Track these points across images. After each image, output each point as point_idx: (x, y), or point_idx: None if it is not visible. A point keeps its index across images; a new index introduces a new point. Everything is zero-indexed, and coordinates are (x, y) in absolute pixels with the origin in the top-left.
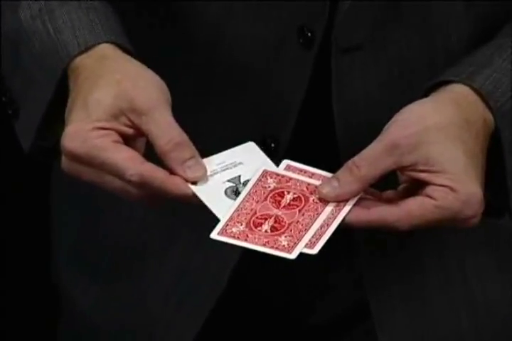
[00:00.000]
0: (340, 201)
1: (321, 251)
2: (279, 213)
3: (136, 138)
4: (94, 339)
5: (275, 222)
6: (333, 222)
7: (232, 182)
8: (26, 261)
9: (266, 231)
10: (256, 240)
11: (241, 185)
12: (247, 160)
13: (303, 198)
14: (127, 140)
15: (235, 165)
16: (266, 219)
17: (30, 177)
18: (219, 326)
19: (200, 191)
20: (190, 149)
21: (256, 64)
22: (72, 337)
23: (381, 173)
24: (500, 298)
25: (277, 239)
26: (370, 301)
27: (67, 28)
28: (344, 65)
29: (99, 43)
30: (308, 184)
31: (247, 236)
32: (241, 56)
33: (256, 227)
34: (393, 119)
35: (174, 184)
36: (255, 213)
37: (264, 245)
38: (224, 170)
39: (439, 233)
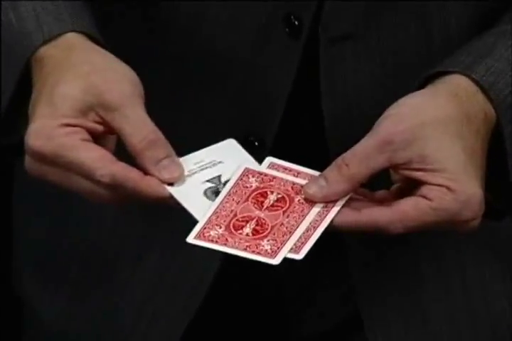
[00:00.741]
0: (328, 202)
1: (306, 256)
2: (262, 215)
3: (107, 136)
4: None
5: (257, 224)
6: (320, 224)
7: (212, 183)
8: None
9: (247, 234)
10: (236, 244)
11: (222, 186)
12: (228, 158)
13: (287, 199)
14: (97, 138)
15: (214, 164)
16: (247, 221)
17: None
18: (198, 340)
19: (178, 193)
20: (165, 148)
21: (238, 55)
22: None
23: (372, 172)
24: (503, 309)
25: (259, 243)
26: (363, 314)
27: (31, 17)
28: (334, 55)
29: (65, 32)
30: (294, 183)
31: (227, 240)
32: (221, 46)
33: (236, 230)
34: (386, 113)
35: (149, 185)
36: (235, 215)
37: (245, 250)
38: (203, 170)
39: (436, 237)
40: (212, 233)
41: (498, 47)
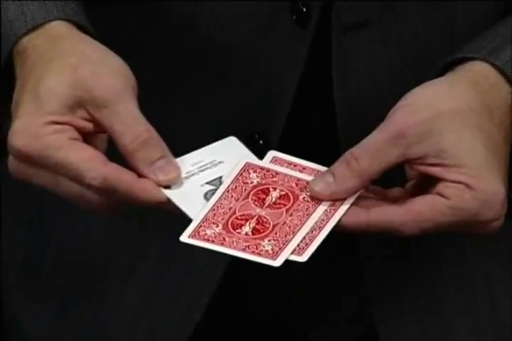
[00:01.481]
0: (336, 200)
1: (317, 266)
2: (263, 213)
3: (97, 135)
4: None
5: (258, 223)
6: (326, 224)
7: (212, 185)
8: None
9: (246, 233)
10: (234, 244)
11: None
12: (229, 158)
13: (291, 196)
14: (86, 137)
15: (214, 165)
16: (247, 220)
17: None
18: None
19: (176, 196)
20: (159, 147)
21: (240, 46)
22: None
23: (385, 167)
24: None
25: (259, 244)
26: (378, 326)
27: (13, 5)
28: (347, 45)
29: (50, 21)
30: (298, 179)
31: (224, 239)
32: (222, 37)
33: (235, 229)
34: (399, 104)
35: (144, 188)
36: (234, 213)
37: (243, 250)
38: (202, 171)
39: (458, 241)
40: (208, 232)
41: None
